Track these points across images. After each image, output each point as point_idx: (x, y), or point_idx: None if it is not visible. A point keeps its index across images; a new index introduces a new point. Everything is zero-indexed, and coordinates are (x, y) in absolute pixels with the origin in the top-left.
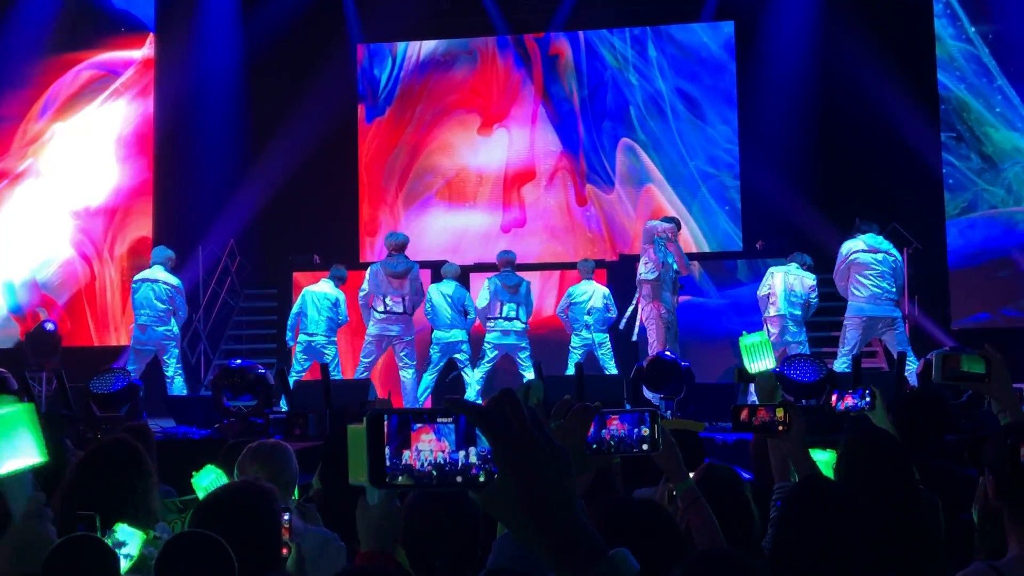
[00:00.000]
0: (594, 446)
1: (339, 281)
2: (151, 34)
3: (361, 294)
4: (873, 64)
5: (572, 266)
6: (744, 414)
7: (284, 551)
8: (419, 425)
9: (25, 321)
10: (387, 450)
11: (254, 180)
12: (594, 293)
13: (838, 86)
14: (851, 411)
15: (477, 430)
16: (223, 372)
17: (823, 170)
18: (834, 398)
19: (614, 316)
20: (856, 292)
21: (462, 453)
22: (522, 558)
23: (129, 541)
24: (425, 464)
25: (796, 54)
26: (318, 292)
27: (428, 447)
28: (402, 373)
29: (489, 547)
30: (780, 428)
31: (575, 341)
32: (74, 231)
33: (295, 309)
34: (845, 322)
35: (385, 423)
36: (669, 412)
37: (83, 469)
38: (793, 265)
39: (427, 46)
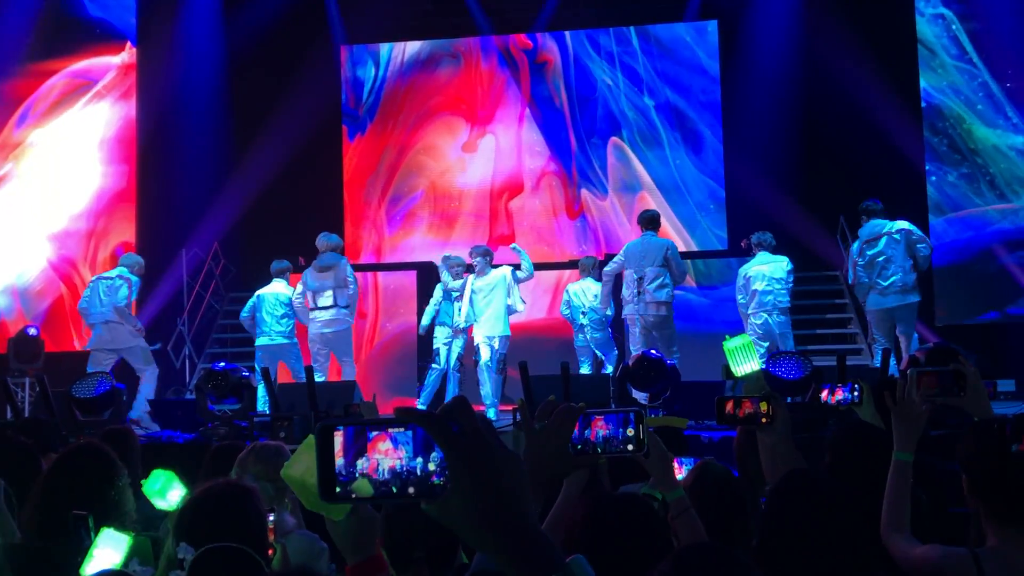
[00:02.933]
0: (579, 447)
1: (284, 275)
2: (129, 42)
3: (295, 295)
4: (856, 62)
5: (560, 266)
6: (729, 406)
7: (270, 552)
8: (375, 433)
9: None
10: (342, 461)
11: (238, 182)
12: (588, 292)
13: (821, 84)
14: (840, 405)
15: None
16: (207, 375)
17: (807, 168)
18: (824, 392)
19: (612, 314)
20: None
21: (420, 460)
22: None
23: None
24: (384, 472)
25: (779, 53)
26: (270, 294)
27: (385, 456)
28: (344, 368)
29: (467, 545)
30: (764, 420)
31: (578, 341)
32: (56, 236)
33: (244, 312)
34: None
35: (339, 435)
36: (661, 412)
37: (54, 473)
38: (763, 254)
39: (411, 50)
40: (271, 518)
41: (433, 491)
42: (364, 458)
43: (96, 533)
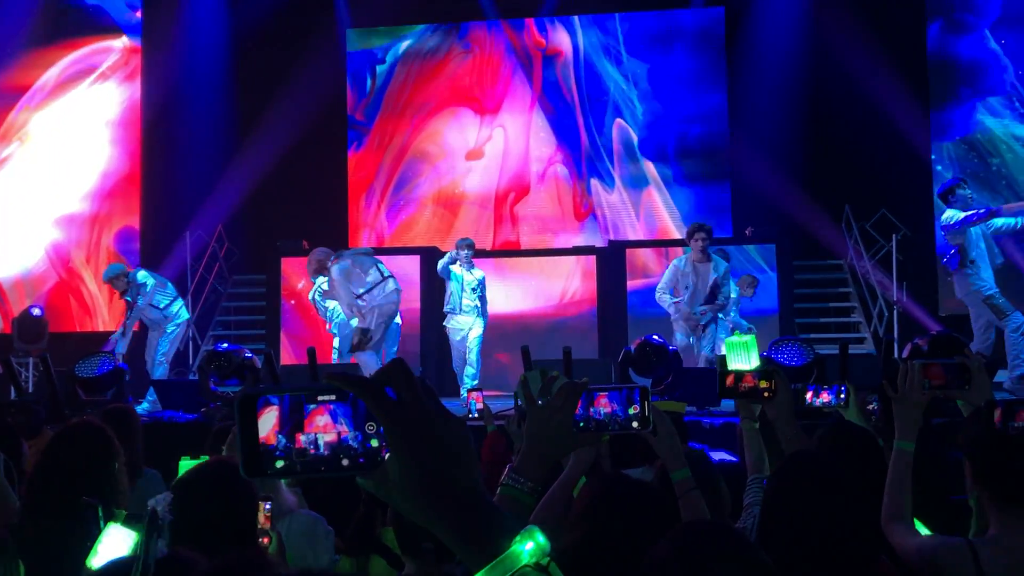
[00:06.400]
0: (581, 424)
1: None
2: (132, 27)
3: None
4: (863, 50)
5: (565, 252)
6: (730, 380)
7: (265, 540)
8: (312, 407)
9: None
10: (280, 436)
11: (242, 165)
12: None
13: (828, 73)
14: (825, 407)
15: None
16: (209, 356)
17: (813, 157)
18: (809, 394)
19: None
20: None
21: (355, 435)
22: None
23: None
24: (322, 448)
25: (786, 41)
26: None
27: (324, 431)
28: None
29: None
30: (766, 395)
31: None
32: (59, 219)
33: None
34: None
35: (273, 408)
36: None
37: (50, 451)
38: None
39: (417, 38)
40: (267, 506)
41: (363, 467)
42: (302, 433)
43: (105, 521)
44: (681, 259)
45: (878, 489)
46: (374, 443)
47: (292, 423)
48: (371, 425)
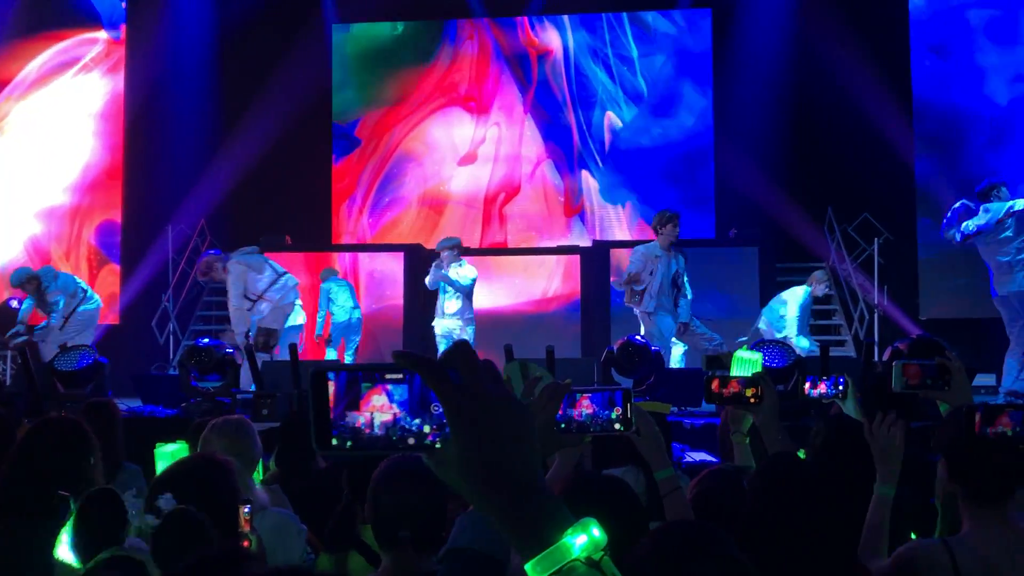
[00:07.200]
0: (563, 425)
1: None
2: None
3: None
4: (848, 55)
5: (549, 252)
6: (715, 384)
7: (245, 544)
8: (369, 385)
9: None
10: (333, 412)
11: (226, 159)
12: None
13: (813, 76)
14: (823, 399)
15: (431, 395)
16: (190, 351)
17: (796, 160)
18: (807, 385)
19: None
20: None
21: (417, 420)
22: (483, 538)
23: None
24: (377, 428)
25: (772, 43)
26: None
27: (380, 411)
28: None
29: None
30: (752, 401)
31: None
32: (40, 212)
33: None
34: None
35: (332, 381)
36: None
37: (26, 445)
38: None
39: (406, 34)
40: (247, 509)
41: (427, 447)
42: (356, 411)
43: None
44: (649, 245)
45: (869, 483)
46: (426, 428)
47: (347, 400)
48: (434, 406)
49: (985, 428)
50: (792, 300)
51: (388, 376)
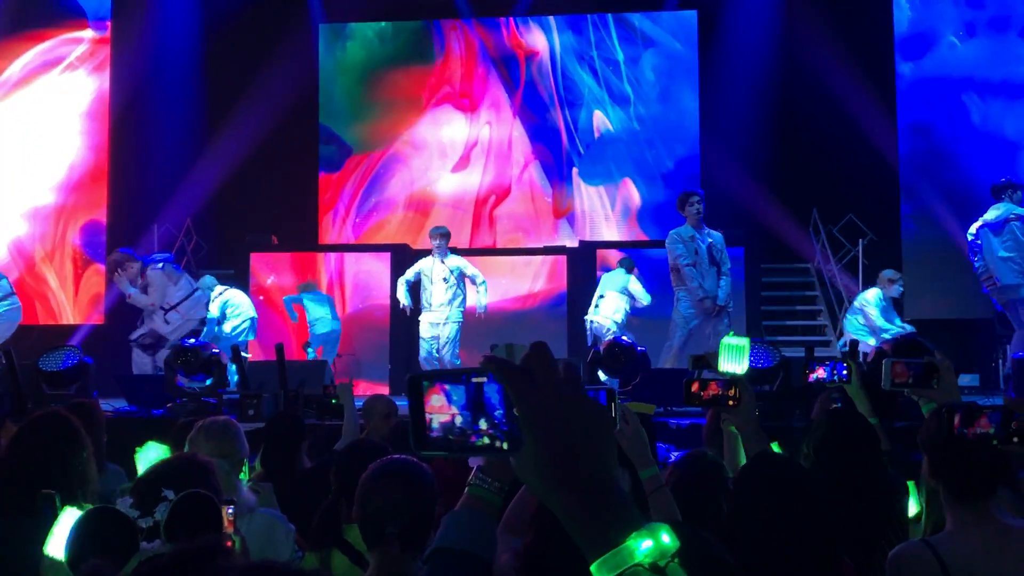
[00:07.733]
0: None
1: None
2: (100, 18)
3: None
4: (833, 56)
5: (535, 252)
6: (695, 387)
7: (228, 544)
8: (429, 385)
9: None
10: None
11: (211, 159)
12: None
13: (799, 78)
14: (825, 382)
15: (486, 397)
16: (176, 351)
17: (782, 161)
18: (814, 371)
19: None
20: None
21: (481, 421)
22: (469, 537)
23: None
24: (435, 428)
25: (758, 45)
26: None
27: (438, 412)
28: None
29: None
30: (731, 403)
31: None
32: (24, 211)
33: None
34: None
35: (425, 387)
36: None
37: (16, 443)
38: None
39: (392, 36)
40: (230, 510)
41: (497, 450)
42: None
43: (60, 511)
44: (680, 230)
45: (875, 487)
46: (483, 425)
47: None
48: (486, 413)
49: (964, 429)
50: (867, 307)
51: (474, 379)
